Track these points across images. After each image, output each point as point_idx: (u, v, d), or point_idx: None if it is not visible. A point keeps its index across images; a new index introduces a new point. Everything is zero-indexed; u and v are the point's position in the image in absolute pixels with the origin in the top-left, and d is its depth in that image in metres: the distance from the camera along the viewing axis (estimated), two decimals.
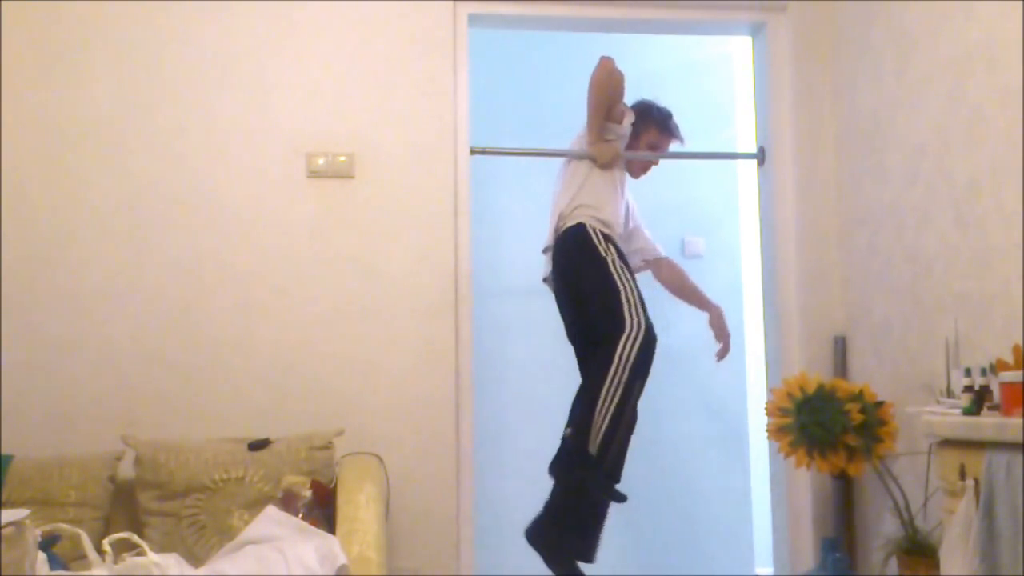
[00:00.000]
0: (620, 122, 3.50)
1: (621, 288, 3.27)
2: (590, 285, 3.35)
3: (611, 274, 3.30)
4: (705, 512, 4.44)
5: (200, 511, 2.94)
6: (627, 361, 3.19)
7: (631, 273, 3.37)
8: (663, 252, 3.77)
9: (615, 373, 3.18)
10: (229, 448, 3.06)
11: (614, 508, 3.22)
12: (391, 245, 3.55)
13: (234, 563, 2.54)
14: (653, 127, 3.68)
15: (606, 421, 3.15)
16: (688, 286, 3.79)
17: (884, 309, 3.39)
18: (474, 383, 3.61)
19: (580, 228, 3.38)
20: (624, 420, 3.20)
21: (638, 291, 3.30)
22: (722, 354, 3.72)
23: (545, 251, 3.52)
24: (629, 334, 3.20)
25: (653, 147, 3.69)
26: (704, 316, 3.71)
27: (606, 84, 3.41)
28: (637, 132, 3.63)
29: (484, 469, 3.93)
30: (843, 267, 3.71)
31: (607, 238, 3.38)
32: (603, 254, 3.34)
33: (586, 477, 3.16)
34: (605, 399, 3.17)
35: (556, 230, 3.45)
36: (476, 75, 3.76)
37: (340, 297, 3.51)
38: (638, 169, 3.73)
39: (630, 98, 3.58)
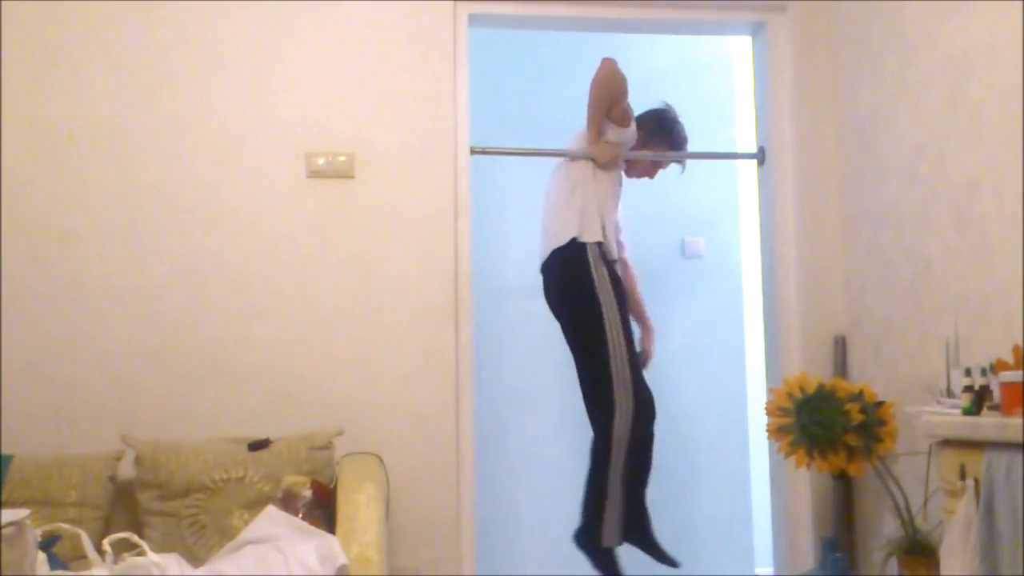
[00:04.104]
0: (621, 123, 3.44)
1: (611, 351, 3.21)
2: (584, 336, 3.32)
3: (604, 328, 3.22)
4: (705, 512, 4.44)
5: (200, 511, 2.94)
6: (623, 447, 3.18)
7: (621, 307, 3.28)
8: (626, 252, 3.70)
9: (614, 466, 3.18)
10: (229, 448, 3.06)
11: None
12: (391, 245, 3.55)
13: (234, 563, 2.55)
14: (664, 141, 3.69)
15: (617, 508, 3.18)
16: (636, 294, 3.72)
17: (884, 309, 3.38)
18: (474, 383, 3.61)
19: (573, 249, 3.33)
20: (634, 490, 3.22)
21: (625, 344, 3.23)
22: (644, 364, 3.61)
23: (543, 270, 3.48)
24: (620, 419, 3.18)
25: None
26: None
27: (606, 84, 3.39)
28: (646, 144, 3.64)
29: (484, 469, 3.93)
30: (843, 267, 3.70)
31: (603, 260, 3.32)
32: (596, 289, 3.26)
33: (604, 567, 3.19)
34: (611, 493, 3.18)
35: (549, 246, 3.42)
36: (476, 75, 3.76)
37: (340, 297, 3.50)
38: (642, 171, 3.71)
39: (634, 100, 3.54)
